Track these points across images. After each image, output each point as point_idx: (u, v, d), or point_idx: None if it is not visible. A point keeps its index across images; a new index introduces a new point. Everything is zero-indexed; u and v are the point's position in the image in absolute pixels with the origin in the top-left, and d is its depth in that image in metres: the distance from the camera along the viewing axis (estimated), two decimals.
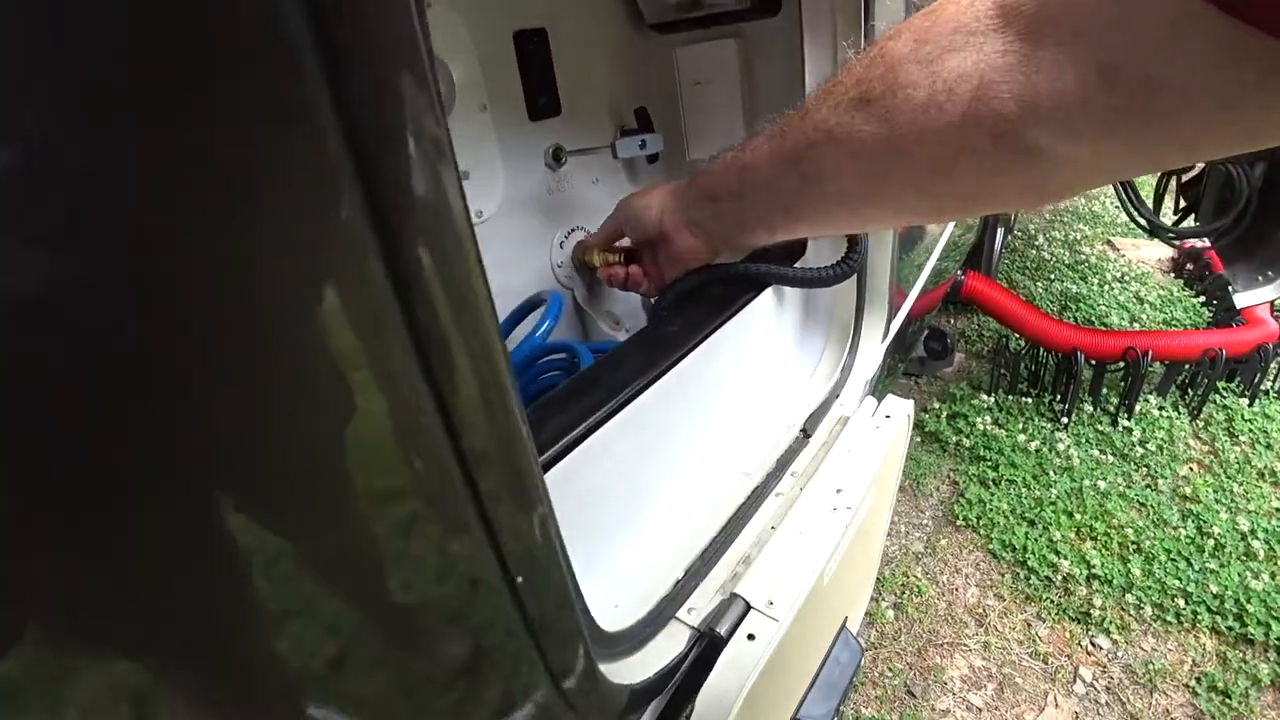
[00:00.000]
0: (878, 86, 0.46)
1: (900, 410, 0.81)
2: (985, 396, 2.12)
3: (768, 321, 0.81)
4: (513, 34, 0.82)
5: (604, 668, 0.50)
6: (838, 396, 0.84)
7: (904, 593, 1.63)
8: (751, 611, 0.57)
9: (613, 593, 0.61)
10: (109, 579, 0.19)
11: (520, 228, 0.88)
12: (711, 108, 0.94)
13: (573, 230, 0.94)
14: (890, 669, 1.48)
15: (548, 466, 0.52)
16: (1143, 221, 2.33)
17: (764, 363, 0.83)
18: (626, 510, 0.64)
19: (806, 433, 0.78)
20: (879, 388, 0.90)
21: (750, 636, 0.55)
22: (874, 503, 0.77)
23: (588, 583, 0.61)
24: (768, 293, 0.78)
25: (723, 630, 0.55)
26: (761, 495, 0.70)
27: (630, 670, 0.52)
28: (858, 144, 0.49)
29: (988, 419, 2.04)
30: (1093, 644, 1.50)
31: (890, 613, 1.59)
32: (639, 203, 0.73)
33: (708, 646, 0.56)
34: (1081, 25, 0.37)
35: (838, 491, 0.68)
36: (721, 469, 0.73)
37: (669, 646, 0.56)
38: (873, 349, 0.89)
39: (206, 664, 0.23)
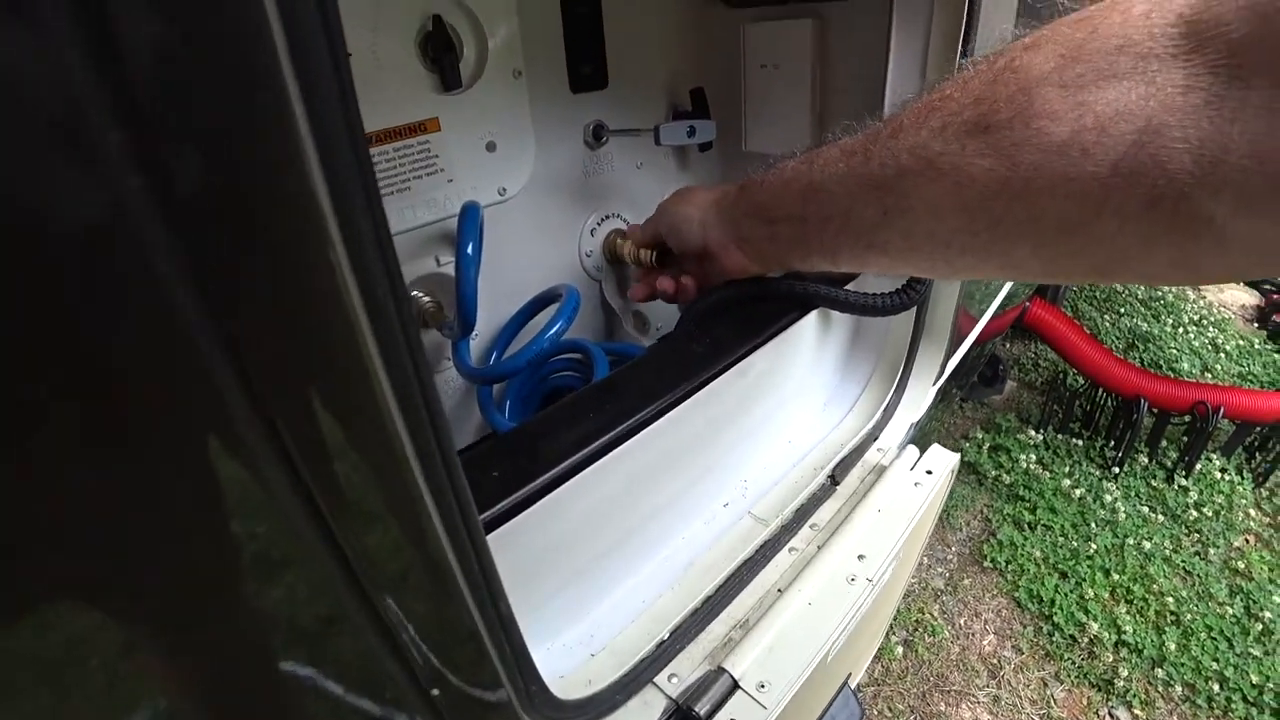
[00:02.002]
0: (1003, 110, 0.36)
1: (944, 464, 0.72)
2: (1033, 432, 1.99)
3: (807, 348, 0.72)
4: None
5: None
6: (875, 440, 0.74)
7: (917, 630, 1.55)
8: (738, 692, 0.49)
9: (591, 642, 0.54)
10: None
11: (548, 210, 0.80)
12: (776, 95, 0.83)
13: (607, 217, 0.85)
14: (891, 709, 1.41)
15: (537, 497, 0.45)
16: None
17: (796, 395, 0.74)
18: (620, 548, 0.57)
19: (835, 480, 0.69)
20: (923, 432, 0.81)
21: None
22: (897, 565, 0.69)
23: (563, 630, 0.55)
24: (812, 315, 0.69)
25: (701, 710, 0.48)
26: (773, 548, 0.62)
27: None
28: (965, 180, 0.38)
29: (1032, 457, 1.92)
30: (1111, 715, 1.40)
31: (899, 649, 1.51)
32: (679, 211, 0.64)
33: None
34: None
35: (859, 558, 0.59)
36: (732, 510, 0.66)
37: (639, 716, 0.49)
38: (922, 390, 0.79)
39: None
